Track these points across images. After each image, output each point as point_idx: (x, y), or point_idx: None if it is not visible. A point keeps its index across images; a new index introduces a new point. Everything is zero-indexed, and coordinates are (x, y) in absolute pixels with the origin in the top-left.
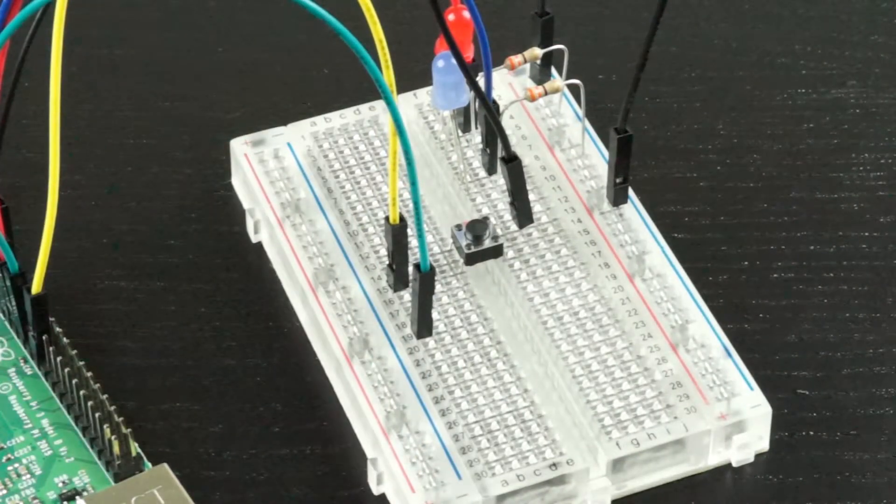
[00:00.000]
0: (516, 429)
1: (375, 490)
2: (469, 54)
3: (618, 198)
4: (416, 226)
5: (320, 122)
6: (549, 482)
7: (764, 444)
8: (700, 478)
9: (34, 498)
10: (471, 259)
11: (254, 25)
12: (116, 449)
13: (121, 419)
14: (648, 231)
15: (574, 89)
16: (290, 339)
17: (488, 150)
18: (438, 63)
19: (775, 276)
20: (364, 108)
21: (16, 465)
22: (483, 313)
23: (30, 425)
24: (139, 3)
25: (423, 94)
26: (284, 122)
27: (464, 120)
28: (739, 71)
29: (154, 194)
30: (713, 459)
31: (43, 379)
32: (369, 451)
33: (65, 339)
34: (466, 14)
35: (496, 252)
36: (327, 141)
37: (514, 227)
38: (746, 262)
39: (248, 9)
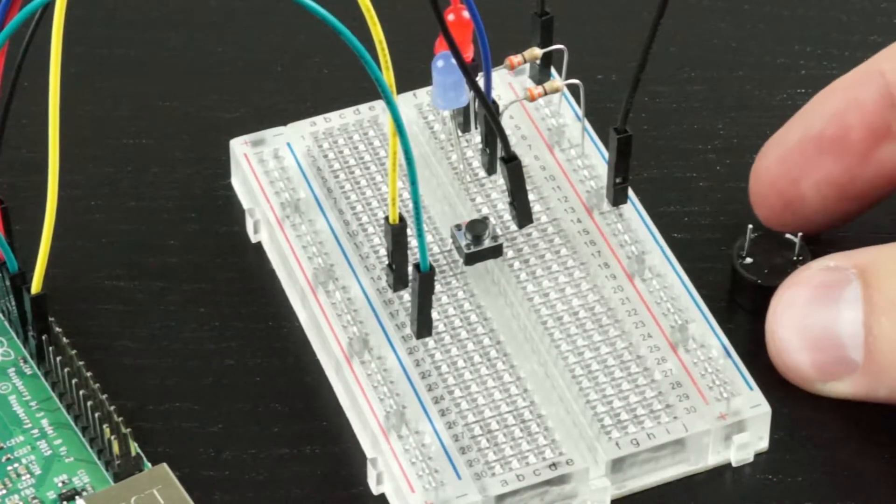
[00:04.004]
0: (516, 429)
1: (375, 490)
2: (469, 54)
3: (618, 198)
4: (416, 226)
5: (320, 122)
6: (549, 482)
7: (764, 444)
8: (700, 478)
9: (34, 498)
10: (470, 259)
11: (254, 25)
12: (116, 449)
13: (120, 419)
14: (648, 231)
15: (574, 89)
16: (290, 339)
17: (488, 150)
18: (438, 63)
19: None
20: (364, 108)
21: (15, 464)
22: (483, 313)
23: (29, 425)
24: (139, 3)
25: (422, 94)
26: (284, 122)
27: (463, 120)
28: (739, 71)
29: (154, 194)
30: (713, 459)
31: (42, 379)
32: (369, 451)
33: (64, 339)
34: (466, 14)
35: (496, 252)
36: (327, 141)
37: (513, 227)
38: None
39: (248, 9)
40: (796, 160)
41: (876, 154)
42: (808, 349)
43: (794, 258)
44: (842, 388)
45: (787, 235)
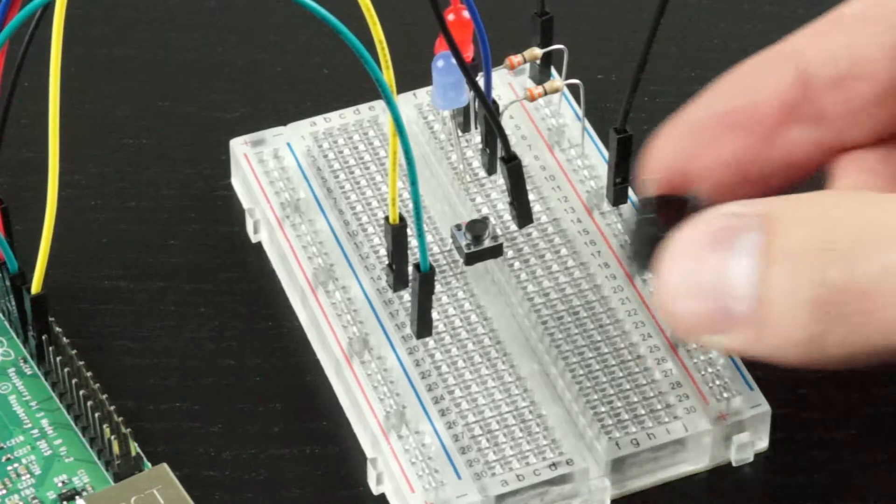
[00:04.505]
0: (516, 429)
1: (375, 490)
2: (469, 54)
3: (618, 198)
4: (416, 226)
5: (320, 122)
6: (549, 482)
7: (764, 444)
8: (700, 478)
9: (34, 498)
10: (470, 259)
11: (254, 25)
12: (116, 449)
13: (120, 419)
14: None
15: (574, 89)
16: (290, 339)
17: (488, 150)
18: (438, 63)
19: None
20: (364, 108)
21: (15, 464)
22: (483, 313)
23: (29, 425)
24: (139, 3)
25: (422, 94)
26: (284, 122)
27: (463, 120)
28: None
29: (154, 194)
30: (713, 459)
31: (42, 379)
32: (369, 451)
33: (64, 339)
34: (466, 14)
35: (496, 252)
36: (327, 141)
37: (513, 227)
38: None
39: (248, 9)
40: (698, 136)
41: (782, 135)
42: (695, 297)
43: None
44: (726, 341)
45: (688, 196)
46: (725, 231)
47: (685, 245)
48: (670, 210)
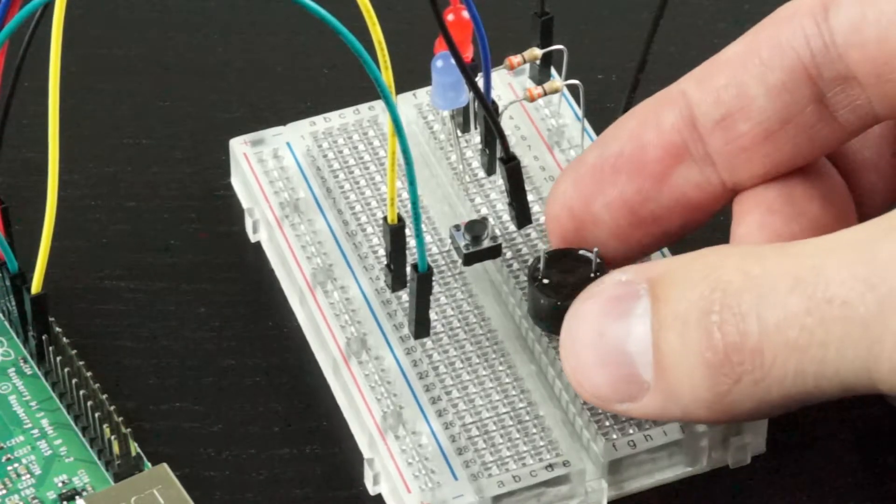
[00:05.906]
0: (513, 429)
1: (372, 490)
2: (468, 54)
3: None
4: (415, 226)
5: (320, 122)
6: (546, 483)
7: (761, 446)
8: (697, 480)
9: (34, 498)
10: (469, 259)
11: (254, 25)
12: (116, 449)
13: (120, 419)
14: None
15: (573, 89)
16: (290, 339)
17: (487, 151)
18: (437, 63)
19: None
20: (364, 108)
21: (15, 464)
22: (481, 314)
23: (29, 425)
24: (139, 3)
25: (422, 94)
26: (284, 122)
27: (463, 120)
28: None
29: (154, 194)
30: (710, 461)
31: (43, 379)
32: (366, 452)
33: (64, 339)
34: (466, 14)
35: (495, 252)
36: (327, 141)
37: (512, 227)
38: None
39: (248, 9)
40: (590, 180)
41: (672, 176)
42: (601, 367)
43: (592, 274)
44: (637, 408)
45: (582, 251)
46: (618, 300)
47: (582, 318)
48: (566, 267)
